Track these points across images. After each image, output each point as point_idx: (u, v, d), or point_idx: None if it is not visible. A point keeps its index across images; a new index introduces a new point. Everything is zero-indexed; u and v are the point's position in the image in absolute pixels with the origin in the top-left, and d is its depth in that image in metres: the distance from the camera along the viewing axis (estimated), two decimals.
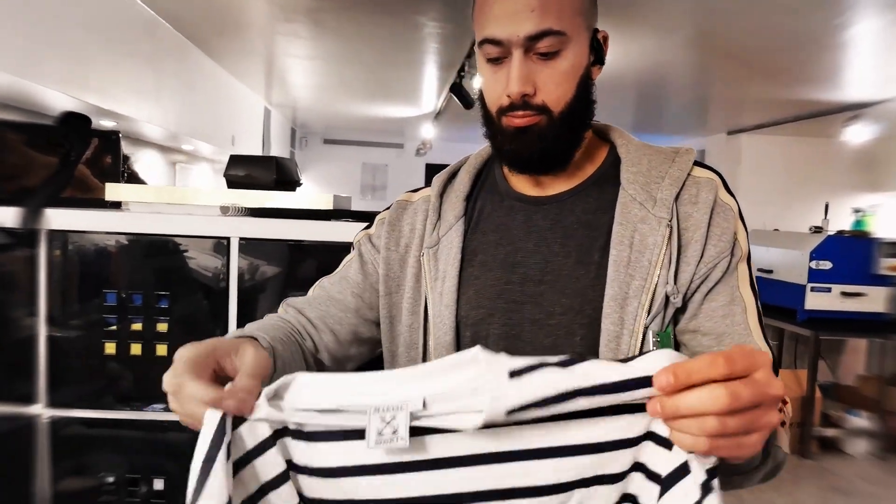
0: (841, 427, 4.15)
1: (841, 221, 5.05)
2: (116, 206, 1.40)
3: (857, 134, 5.20)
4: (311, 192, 1.54)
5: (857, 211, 4.97)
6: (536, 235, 0.80)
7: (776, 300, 4.22)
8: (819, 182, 6.41)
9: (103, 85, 3.18)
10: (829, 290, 3.98)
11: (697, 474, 0.50)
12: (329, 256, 1.19)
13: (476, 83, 4.34)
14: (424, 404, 0.51)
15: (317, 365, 0.82)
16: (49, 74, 2.70)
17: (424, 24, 3.77)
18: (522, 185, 0.84)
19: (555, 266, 0.77)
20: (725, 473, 0.54)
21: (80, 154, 1.39)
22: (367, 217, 0.92)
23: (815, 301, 3.99)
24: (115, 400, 1.30)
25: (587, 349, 0.75)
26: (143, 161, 4.89)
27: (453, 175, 0.90)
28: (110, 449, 1.30)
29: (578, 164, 0.82)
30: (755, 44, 3.81)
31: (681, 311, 0.74)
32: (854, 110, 5.19)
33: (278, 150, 7.74)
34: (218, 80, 5.33)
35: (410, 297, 0.83)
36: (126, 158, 1.89)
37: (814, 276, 3.99)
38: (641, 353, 0.54)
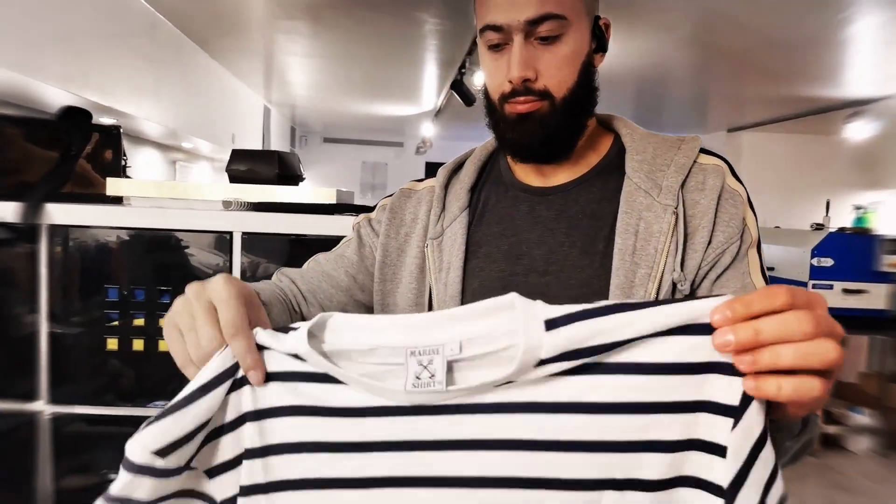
0: (843, 424, 4.15)
1: (842, 218, 5.05)
2: (118, 201, 1.39)
3: (858, 131, 5.20)
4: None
5: (858, 208, 4.97)
6: (541, 226, 0.79)
7: None
8: (820, 179, 6.42)
9: (103, 82, 3.17)
10: (830, 287, 3.97)
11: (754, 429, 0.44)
12: None
13: (477, 80, 4.34)
14: (461, 347, 0.50)
15: None
16: (49, 71, 2.69)
17: (425, 21, 3.76)
18: (527, 175, 0.83)
19: (559, 257, 0.76)
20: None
21: (81, 149, 1.38)
22: (371, 211, 0.92)
23: None
24: (117, 397, 1.29)
25: None
26: (142, 160, 4.89)
27: (459, 166, 0.89)
28: (112, 446, 1.29)
29: (583, 154, 0.81)
30: (755, 41, 3.80)
31: (689, 299, 0.73)
32: (855, 107, 5.19)
33: (278, 148, 7.73)
34: (218, 79, 5.32)
35: (414, 289, 0.82)
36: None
37: (815, 273, 3.98)
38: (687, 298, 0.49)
